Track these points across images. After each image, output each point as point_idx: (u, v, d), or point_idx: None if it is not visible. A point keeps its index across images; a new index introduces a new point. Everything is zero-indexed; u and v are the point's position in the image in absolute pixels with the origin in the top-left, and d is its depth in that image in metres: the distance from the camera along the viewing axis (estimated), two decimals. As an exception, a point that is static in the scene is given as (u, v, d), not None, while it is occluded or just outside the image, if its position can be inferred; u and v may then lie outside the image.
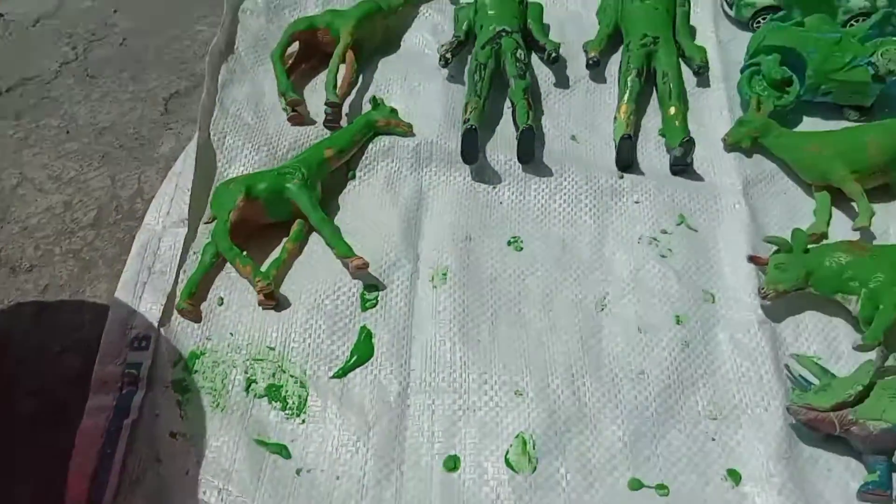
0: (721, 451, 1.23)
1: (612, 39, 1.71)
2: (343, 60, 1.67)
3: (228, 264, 1.42)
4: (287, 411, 1.25)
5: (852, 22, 1.68)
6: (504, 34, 1.63)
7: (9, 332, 1.38)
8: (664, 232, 1.47)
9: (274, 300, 1.37)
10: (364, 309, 1.38)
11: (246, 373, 1.29)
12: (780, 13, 1.65)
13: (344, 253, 1.40)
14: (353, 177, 1.59)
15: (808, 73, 1.53)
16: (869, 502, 1.15)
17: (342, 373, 1.30)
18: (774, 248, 1.35)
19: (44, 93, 1.82)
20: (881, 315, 1.23)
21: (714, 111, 1.62)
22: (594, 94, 1.68)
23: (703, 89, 1.66)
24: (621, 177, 1.53)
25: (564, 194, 1.53)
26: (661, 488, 1.19)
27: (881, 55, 1.47)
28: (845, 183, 1.40)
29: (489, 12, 1.67)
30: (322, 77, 1.71)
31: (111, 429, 1.20)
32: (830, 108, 1.59)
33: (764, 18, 1.71)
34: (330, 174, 1.56)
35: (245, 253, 1.40)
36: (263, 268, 1.41)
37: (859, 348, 1.21)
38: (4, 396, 1.29)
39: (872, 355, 1.22)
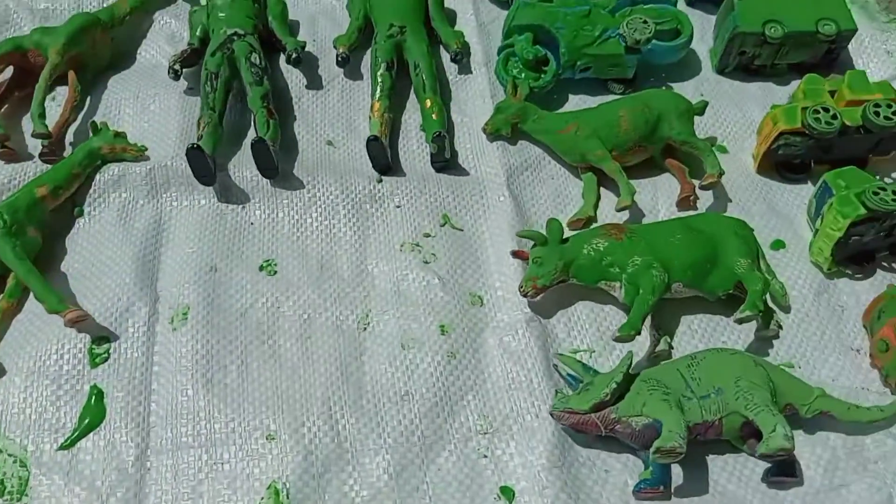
0: (494, 467, 1.13)
1: (364, 32, 1.57)
2: (52, 83, 1.44)
3: None
4: (6, 497, 1.07)
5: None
6: (236, 37, 1.46)
7: None
8: (427, 235, 1.35)
9: None
10: (94, 365, 1.19)
11: None
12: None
13: (53, 308, 1.19)
14: (81, 213, 1.37)
15: (561, 51, 1.46)
16: (646, 500, 1.09)
17: (70, 443, 1.12)
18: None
19: None
20: (638, 302, 1.16)
21: (476, 99, 1.52)
22: (350, 93, 1.54)
23: (465, 76, 1.56)
24: (380, 181, 1.40)
25: (320, 207, 1.38)
26: (431, 519, 1.07)
27: (626, 25, 1.43)
28: (603, 162, 1.34)
29: (220, 14, 1.49)
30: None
31: None
32: (595, 84, 1.54)
33: (526, -4, 1.62)
34: (52, 214, 1.34)
35: None
36: None
37: (618, 339, 1.14)
38: None
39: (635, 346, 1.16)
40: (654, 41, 1.46)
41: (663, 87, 1.53)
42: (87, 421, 1.14)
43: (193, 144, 1.28)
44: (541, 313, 1.26)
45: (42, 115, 1.39)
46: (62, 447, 1.11)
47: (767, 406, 1.05)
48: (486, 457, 1.13)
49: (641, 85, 1.54)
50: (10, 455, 1.11)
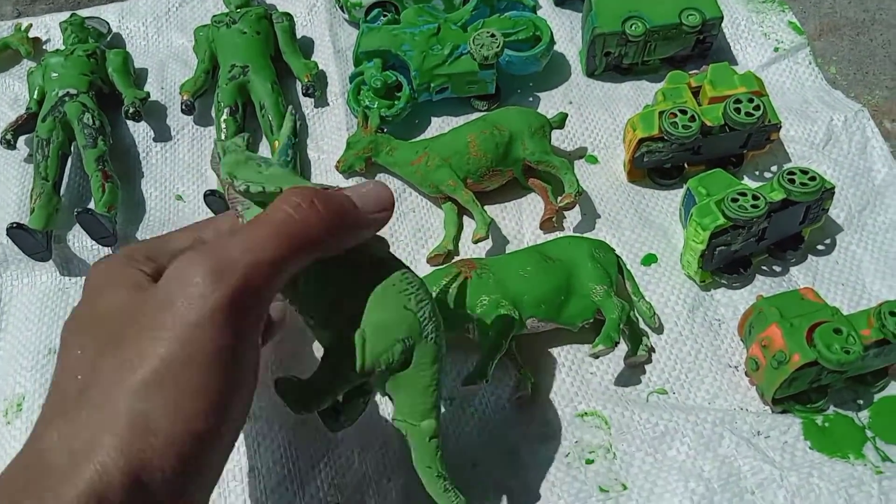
0: (351, 539, 1.07)
1: (213, 75, 1.49)
2: None
3: None
4: None
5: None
6: (68, 98, 1.38)
7: None
8: (278, 289, 1.28)
9: None
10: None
11: None
12: (375, 11, 1.48)
13: None
14: None
15: (412, 75, 1.37)
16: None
17: None
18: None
19: None
20: (485, 346, 1.08)
21: (334, 133, 1.44)
22: (200, 140, 1.45)
23: (322, 109, 1.48)
24: (229, 234, 1.33)
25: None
26: None
27: (473, 42, 1.34)
28: (456, 192, 1.26)
29: (52, 75, 1.41)
30: None
31: None
32: (458, 102, 1.45)
33: (385, 16, 1.55)
34: None
35: None
36: None
37: (466, 387, 1.06)
38: None
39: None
40: (509, 52, 1.38)
41: (528, 103, 1.44)
42: None
43: (13, 224, 1.21)
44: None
45: None
46: None
47: None
48: (340, 529, 1.06)
49: (506, 97, 1.46)
50: None
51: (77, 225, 1.33)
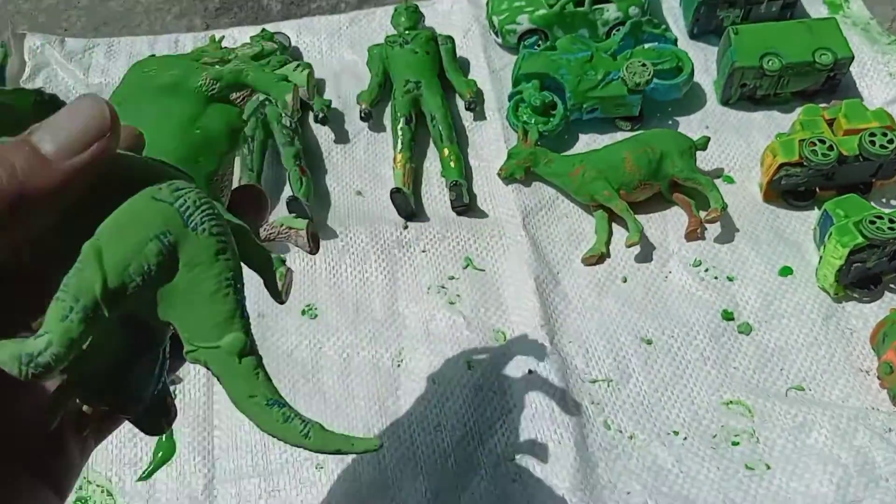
0: (523, 490, 1.22)
1: (385, 88, 1.70)
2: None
3: None
4: None
5: (614, 32, 1.72)
6: (268, 102, 1.60)
7: None
8: (451, 278, 1.46)
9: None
10: (163, 406, 1.33)
11: None
12: (534, 37, 1.68)
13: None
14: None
15: (567, 96, 1.55)
16: None
17: (147, 475, 1.26)
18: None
19: None
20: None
21: (492, 144, 1.63)
22: (375, 145, 1.66)
23: (480, 123, 1.67)
24: (406, 227, 1.52)
25: (353, 253, 1.50)
26: (468, 540, 1.17)
27: (626, 69, 1.51)
28: (611, 201, 1.43)
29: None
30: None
31: None
32: (603, 122, 1.62)
33: (540, 43, 1.74)
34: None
35: None
36: None
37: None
38: None
39: None
40: (655, 80, 1.55)
41: (668, 125, 1.61)
42: (160, 455, 1.29)
43: None
44: (560, 346, 1.36)
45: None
46: (140, 479, 1.26)
47: None
48: (514, 481, 1.22)
49: (648, 120, 1.63)
50: (98, 486, 1.26)
51: (275, 210, 1.55)
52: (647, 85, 1.53)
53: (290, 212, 1.47)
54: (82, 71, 1.83)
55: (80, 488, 1.24)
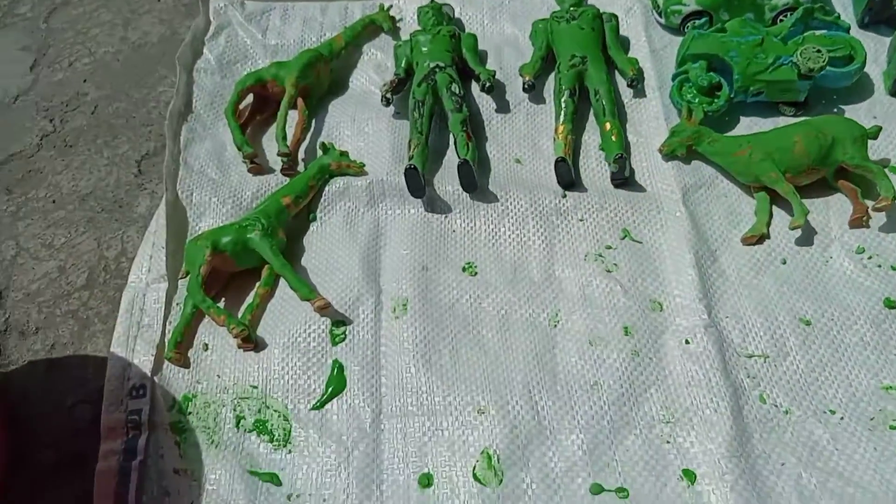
0: (676, 452, 1.29)
1: (546, 61, 1.76)
2: (293, 109, 1.74)
3: None
4: (274, 443, 1.36)
5: (781, 18, 1.72)
6: (438, 69, 1.69)
7: (26, 388, 1.54)
8: (609, 247, 1.52)
9: (252, 343, 1.47)
10: (334, 344, 1.46)
11: (234, 410, 1.40)
12: (703, 19, 1.70)
13: (305, 296, 1.47)
14: (315, 219, 1.65)
15: (734, 77, 1.57)
16: None
17: (320, 405, 1.40)
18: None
19: (29, 166, 1.93)
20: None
21: (652, 121, 1.67)
22: (534, 116, 1.73)
23: (639, 100, 1.71)
24: (564, 196, 1.59)
25: (512, 218, 1.59)
26: (621, 491, 1.25)
27: (800, 54, 1.52)
28: (777, 184, 1.45)
29: (423, 49, 1.74)
30: (276, 126, 1.80)
31: (123, 470, 1.33)
32: (766, 106, 1.63)
33: (694, 24, 1.76)
34: (293, 218, 1.64)
35: (217, 303, 1.52)
36: (240, 313, 1.52)
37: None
38: (27, 449, 1.45)
39: None
40: (827, 67, 1.54)
41: (833, 113, 1.61)
42: (332, 388, 1.42)
43: (410, 165, 1.53)
44: (718, 320, 1.41)
45: (284, 138, 1.69)
46: (314, 408, 1.39)
47: None
48: (668, 443, 1.29)
49: (813, 107, 1.63)
50: (275, 411, 1.40)
51: (438, 172, 1.65)
52: (821, 71, 1.53)
53: (460, 175, 1.56)
54: (260, 32, 1.98)
55: (259, 412, 1.39)
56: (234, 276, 1.58)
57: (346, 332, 1.47)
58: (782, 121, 1.60)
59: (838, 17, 1.65)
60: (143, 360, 1.46)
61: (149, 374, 1.44)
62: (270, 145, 1.79)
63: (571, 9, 1.76)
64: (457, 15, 1.92)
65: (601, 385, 1.36)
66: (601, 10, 1.78)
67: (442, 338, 1.45)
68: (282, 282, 1.56)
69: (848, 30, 1.64)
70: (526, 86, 1.71)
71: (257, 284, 1.56)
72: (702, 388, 1.33)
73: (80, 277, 1.70)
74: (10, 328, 1.64)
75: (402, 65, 1.79)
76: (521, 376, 1.39)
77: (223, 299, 1.55)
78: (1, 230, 1.80)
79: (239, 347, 1.46)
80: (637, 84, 1.69)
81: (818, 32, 1.61)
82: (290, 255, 1.60)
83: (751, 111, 1.64)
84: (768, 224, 1.48)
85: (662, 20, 1.78)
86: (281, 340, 1.47)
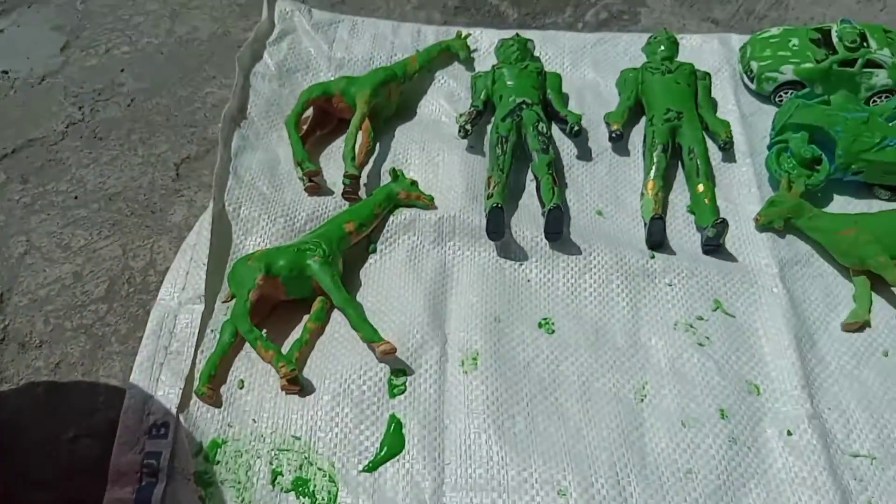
0: (780, 557, 1.16)
1: (633, 111, 1.67)
2: (360, 129, 1.61)
3: (248, 343, 1.35)
4: None
5: (875, 99, 1.67)
6: (525, 106, 1.58)
7: (19, 413, 1.31)
8: (700, 318, 1.41)
9: (298, 385, 1.30)
10: (392, 395, 1.30)
11: (271, 464, 1.22)
12: (804, 90, 1.63)
13: (370, 337, 1.31)
14: (374, 250, 1.51)
15: (837, 153, 1.51)
16: None
17: (373, 466, 1.22)
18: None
19: (50, 155, 1.73)
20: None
21: (742, 187, 1.58)
22: (618, 167, 1.63)
23: (728, 164, 1.63)
24: (652, 256, 1.48)
25: (594, 273, 1.46)
26: None
27: (913, 138, 1.45)
28: (886, 269, 1.37)
29: (508, 83, 1.63)
30: (337, 144, 1.66)
31: (131, 527, 1.12)
32: (860, 186, 1.58)
33: (786, 92, 1.70)
34: (351, 247, 1.49)
35: (265, 334, 1.33)
36: (285, 349, 1.35)
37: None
38: (15, 487, 1.21)
39: None
40: (936, 154, 1.48)
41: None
42: (387, 448, 1.24)
43: (496, 204, 1.40)
44: (822, 412, 1.29)
45: (353, 158, 1.55)
46: (365, 469, 1.21)
47: None
48: (771, 546, 1.16)
49: (909, 193, 1.57)
50: (319, 469, 1.22)
51: (514, 216, 1.53)
52: (928, 157, 1.47)
53: (547, 221, 1.44)
54: (327, 43, 1.85)
55: (300, 468, 1.21)
56: (275, 307, 1.41)
57: (407, 384, 1.31)
58: (877, 204, 1.53)
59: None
60: (168, 393, 1.27)
61: (173, 411, 1.25)
62: (327, 164, 1.65)
63: (665, 62, 1.68)
64: (535, 52, 1.83)
65: (696, 473, 1.22)
66: (695, 68, 1.71)
67: (516, 401, 1.30)
68: (333, 318, 1.40)
69: (953, 118, 1.59)
70: (613, 135, 1.62)
71: (306, 318, 1.39)
72: (807, 487, 1.20)
73: (99, 287, 1.50)
74: (8, 337, 1.41)
75: (482, 97, 1.67)
76: (607, 455, 1.24)
77: (264, 331, 1.36)
78: (11, 223, 1.60)
79: (282, 389, 1.29)
80: (728, 147, 1.61)
81: (920, 116, 1.55)
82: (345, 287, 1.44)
83: (844, 190, 1.57)
84: (869, 310, 1.39)
85: (753, 85, 1.72)
86: (331, 386, 1.30)
